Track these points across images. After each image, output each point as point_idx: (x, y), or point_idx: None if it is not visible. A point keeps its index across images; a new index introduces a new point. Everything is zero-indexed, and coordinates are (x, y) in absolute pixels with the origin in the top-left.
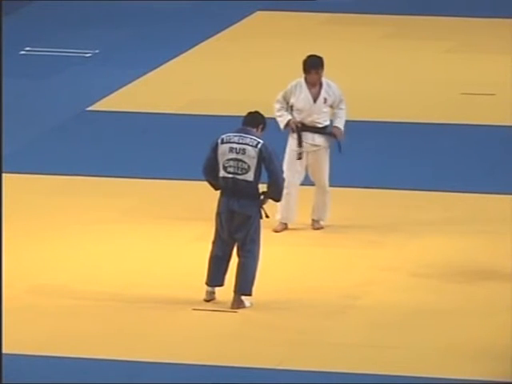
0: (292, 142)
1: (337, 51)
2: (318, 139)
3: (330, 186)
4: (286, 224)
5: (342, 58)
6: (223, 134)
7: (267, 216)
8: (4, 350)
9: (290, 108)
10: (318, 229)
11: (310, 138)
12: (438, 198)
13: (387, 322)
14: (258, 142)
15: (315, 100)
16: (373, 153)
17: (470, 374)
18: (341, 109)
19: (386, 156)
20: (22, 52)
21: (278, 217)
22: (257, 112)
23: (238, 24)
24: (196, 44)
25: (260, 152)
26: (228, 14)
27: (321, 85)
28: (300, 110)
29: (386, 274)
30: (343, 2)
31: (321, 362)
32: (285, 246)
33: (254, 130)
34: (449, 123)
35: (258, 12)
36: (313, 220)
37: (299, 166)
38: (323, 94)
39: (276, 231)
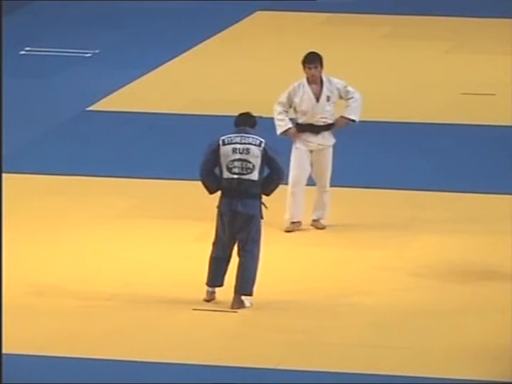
0: (298, 140)
1: (336, 51)
2: (323, 138)
3: (330, 185)
4: (297, 223)
5: (341, 57)
6: (222, 135)
7: (266, 207)
8: (4, 350)
9: (294, 109)
10: (320, 228)
11: (315, 137)
12: (437, 197)
13: (387, 322)
14: (261, 141)
15: (318, 99)
16: (372, 153)
17: (470, 374)
18: (350, 98)
19: (386, 156)
20: (22, 52)
21: (287, 216)
22: (248, 113)
23: (238, 24)
24: (196, 44)
25: (264, 151)
26: (228, 14)
27: (322, 82)
28: (304, 112)
29: (386, 273)
30: (343, 2)
31: (320, 362)
32: (284, 246)
33: (252, 130)
34: (449, 123)
35: (258, 12)
36: (313, 220)
37: (306, 165)
38: (325, 91)
39: (288, 231)
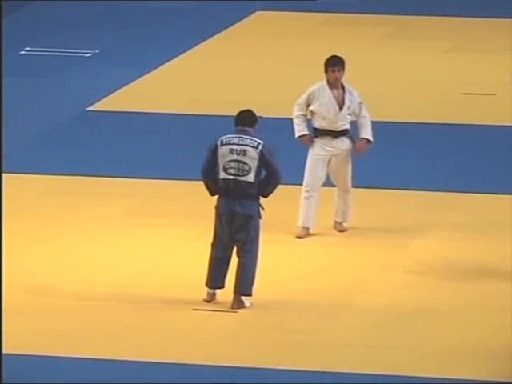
0: (315, 146)
1: (336, 51)
2: (342, 143)
3: (330, 186)
4: (308, 229)
5: None
6: (221, 135)
7: (263, 208)
8: (4, 350)
9: (311, 112)
10: (342, 231)
11: (334, 142)
12: (437, 197)
13: (387, 322)
14: (259, 143)
15: (341, 108)
16: (371, 153)
17: (469, 374)
18: (363, 117)
19: (385, 156)
20: (22, 52)
21: (299, 222)
22: (249, 111)
23: (238, 24)
24: (196, 44)
25: (261, 153)
26: (228, 14)
27: (343, 89)
28: (324, 117)
29: (386, 273)
30: (343, 2)
31: (321, 362)
32: (284, 246)
33: (251, 129)
34: (449, 123)
35: (258, 12)
36: (336, 222)
37: (321, 172)
38: (347, 101)
39: (300, 237)
